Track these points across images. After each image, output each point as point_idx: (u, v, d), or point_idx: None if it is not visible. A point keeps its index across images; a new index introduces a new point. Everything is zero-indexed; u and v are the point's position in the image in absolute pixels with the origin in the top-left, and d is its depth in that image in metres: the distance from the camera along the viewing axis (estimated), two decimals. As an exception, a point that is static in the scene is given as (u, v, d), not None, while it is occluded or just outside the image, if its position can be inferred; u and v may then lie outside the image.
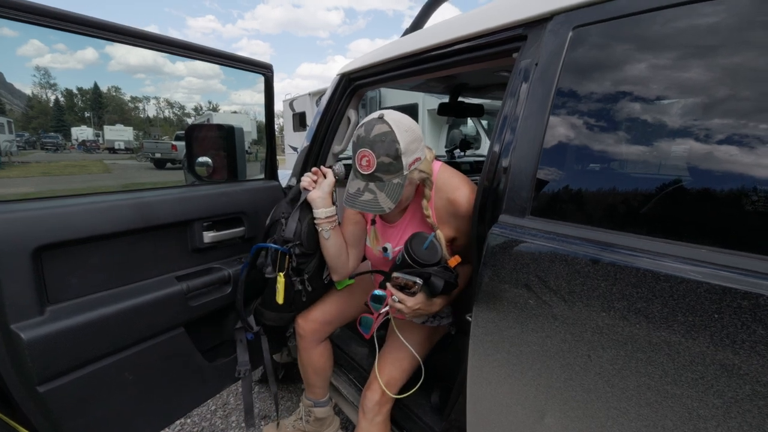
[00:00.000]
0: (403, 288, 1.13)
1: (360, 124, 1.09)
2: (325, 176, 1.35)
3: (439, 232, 1.17)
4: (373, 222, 1.36)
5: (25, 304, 0.99)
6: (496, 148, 0.98)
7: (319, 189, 1.33)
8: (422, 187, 1.20)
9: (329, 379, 1.69)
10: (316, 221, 1.33)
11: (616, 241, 0.73)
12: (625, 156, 0.79)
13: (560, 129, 0.86)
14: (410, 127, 1.08)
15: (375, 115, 1.08)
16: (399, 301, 1.12)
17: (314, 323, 1.53)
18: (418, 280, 1.08)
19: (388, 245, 1.33)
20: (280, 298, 1.34)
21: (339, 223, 1.40)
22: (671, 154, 0.73)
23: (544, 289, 0.80)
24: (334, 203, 1.36)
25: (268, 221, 1.39)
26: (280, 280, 1.32)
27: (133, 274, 1.24)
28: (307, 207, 1.34)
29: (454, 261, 1.13)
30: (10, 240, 0.96)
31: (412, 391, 1.32)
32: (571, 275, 0.75)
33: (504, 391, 0.92)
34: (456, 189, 1.19)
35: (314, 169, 1.36)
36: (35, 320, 1.00)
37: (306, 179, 1.34)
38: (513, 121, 0.95)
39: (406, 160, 1.06)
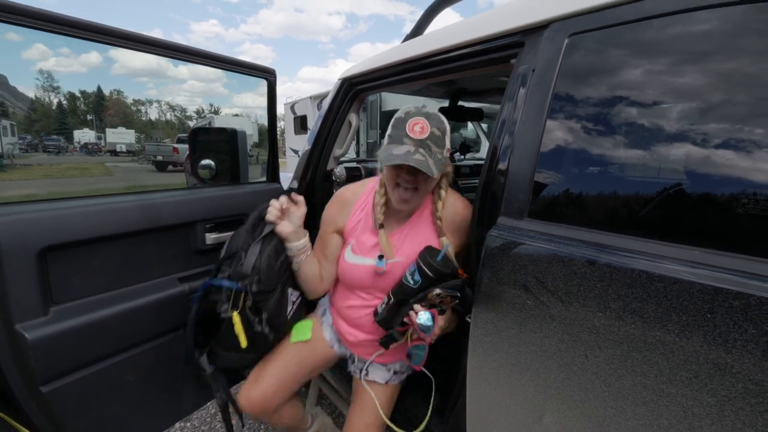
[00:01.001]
0: (432, 306, 1.04)
1: (402, 109, 1.10)
2: (296, 203, 1.24)
3: (448, 242, 1.14)
4: (381, 226, 1.20)
5: (29, 305, 1.01)
6: (495, 152, 1.00)
7: (289, 222, 1.21)
8: (436, 188, 1.19)
9: (305, 413, 1.54)
10: (289, 254, 1.23)
11: (612, 242, 0.74)
12: (620, 159, 0.81)
13: (557, 133, 0.88)
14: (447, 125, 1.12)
15: (414, 105, 1.10)
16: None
17: (258, 403, 1.26)
18: (458, 293, 1.01)
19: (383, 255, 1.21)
20: (243, 342, 1.17)
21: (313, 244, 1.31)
22: (665, 158, 0.75)
23: (541, 290, 0.81)
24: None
25: (223, 253, 1.25)
26: (236, 320, 1.16)
27: (137, 275, 1.25)
28: (269, 238, 1.21)
29: (461, 272, 1.07)
30: (16, 241, 0.98)
31: (424, 423, 1.25)
32: (568, 276, 0.77)
33: (503, 391, 0.93)
34: (458, 200, 1.22)
35: (282, 198, 1.21)
36: (39, 320, 1.02)
37: (273, 212, 1.19)
38: (511, 125, 0.97)
39: (447, 142, 1.09)
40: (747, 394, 0.57)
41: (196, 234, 1.40)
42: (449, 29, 1.29)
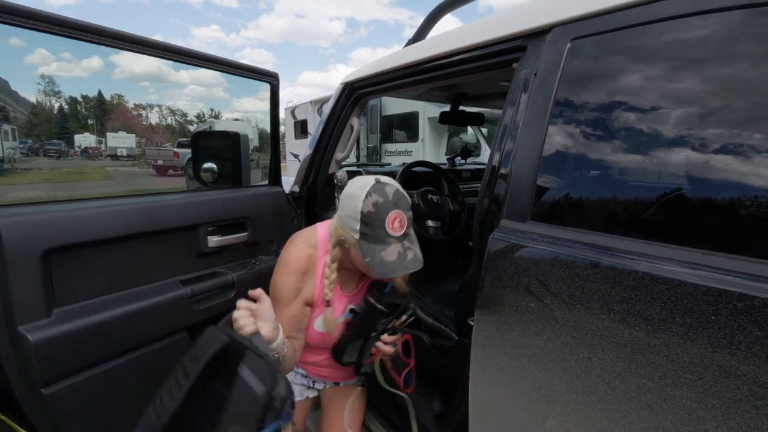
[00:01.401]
0: (394, 332, 1.13)
1: (364, 196, 0.98)
2: (257, 299, 1.00)
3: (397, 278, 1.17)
4: (328, 304, 1.13)
5: (32, 306, 1.01)
6: (497, 155, 1.00)
7: (263, 321, 0.97)
8: None
9: None
10: (274, 352, 0.98)
11: (615, 245, 0.74)
12: (622, 163, 0.81)
13: (559, 137, 0.88)
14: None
15: (371, 181, 1.01)
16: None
17: None
18: (413, 315, 1.12)
19: (353, 307, 1.21)
20: None
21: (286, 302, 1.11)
22: (667, 161, 0.75)
23: (544, 293, 0.81)
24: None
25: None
26: None
27: (139, 277, 1.25)
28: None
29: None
30: (20, 242, 0.98)
31: None
32: (571, 279, 0.77)
33: (506, 394, 0.93)
34: None
35: (241, 302, 0.98)
36: (42, 322, 1.01)
37: (247, 322, 0.94)
38: (513, 129, 0.97)
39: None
40: (752, 396, 0.57)
41: (199, 237, 1.41)
42: (451, 34, 1.30)
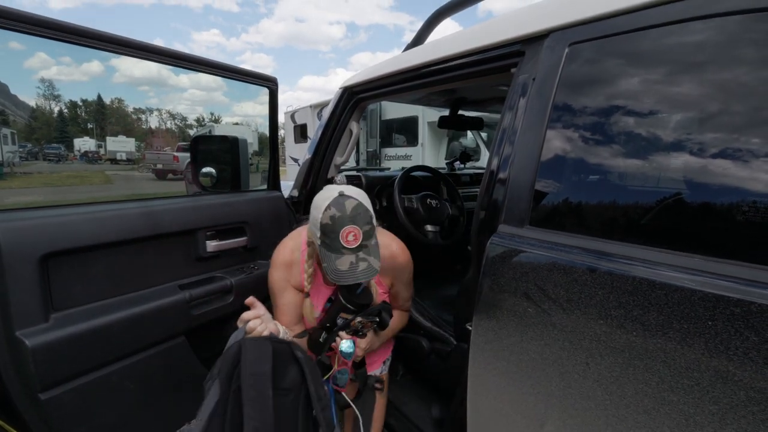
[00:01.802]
0: (356, 332, 1.19)
1: (324, 208, 1.05)
2: (252, 305, 1.14)
3: (377, 279, 1.25)
4: (307, 295, 1.25)
5: (30, 311, 1.00)
6: (496, 160, 1.01)
7: (269, 322, 1.13)
8: None
9: None
10: (292, 339, 1.19)
11: (613, 250, 0.75)
12: (620, 167, 0.81)
13: (557, 141, 0.88)
14: (366, 195, 1.13)
15: (334, 193, 1.07)
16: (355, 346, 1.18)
17: None
18: (376, 318, 1.17)
19: (332, 297, 1.28)
20: None
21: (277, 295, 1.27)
22: (665, 166, 0.75)
23: (542, 298, 0.81)
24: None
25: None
26: None
27: (137, 281, 1.25)
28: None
29: (382, 297, 1.26)
30: (18, 247, 0.98)
31: None
32: (569, 284, 0.77)
33: (504, 399, 0.93)
34: (393, 241, 1.31)
35: (247, 314, 1.11)
36: (40, 327, 1.01)
37: (262, 327, 1.10)
38: (512, 134, 0.97)
39: (374, 218, 1.10)
40: (749, 402, 0.57)
41: (197, 241, 1.41)
42: (450, 39, 1.30)
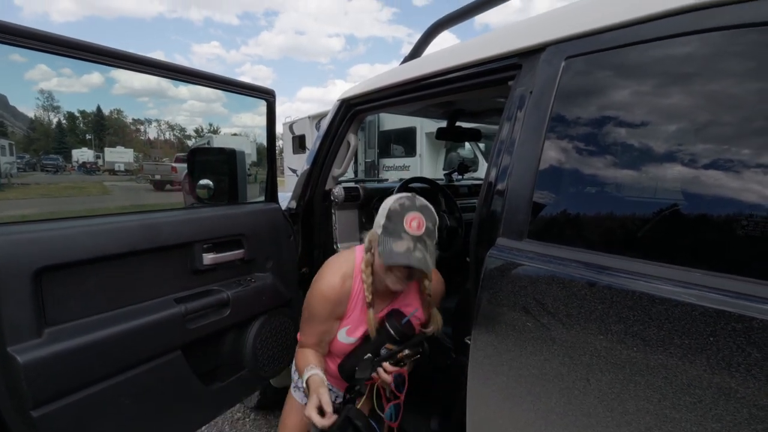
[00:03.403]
0: (397, 363, 1.16)
1: (395, 198, 1.13)
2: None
3: (420, 310, 1.25)
4: (370, 305, 1.22)
5: (22, 326, 0.99)
6: (493, 173, 1.00)
7: (324, 391, 1.13)
8: None
9: None
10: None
11: (612, 264, 0.74)
12: (618, 180, 0.81)
13: (555, 154, 0.88)
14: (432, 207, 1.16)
15: (408, 194, 1.14)
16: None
17: None
18: (419, 349, 1.17)
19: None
20: None
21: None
22: (664, 179, 0.75)
23: (542, 312, 0.81)
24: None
25: None
26: None
27: (132, 295, 1.23)
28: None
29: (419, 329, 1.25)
30: (11, 262, 0.97)
31: None
32: (568, 298, 0.76)
33: (504, 414, 0.91)
34: (435, 273, 1.30)
35: (316, 419, 1.08)
36: (32, 342, 0.99)
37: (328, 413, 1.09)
38: (509, 147, 0.98)
39: (437, 229, 1.12)
40: (752, 419, 0.56)
41: (194, 254, 1.39)
42: (448, 51, 1.31)
